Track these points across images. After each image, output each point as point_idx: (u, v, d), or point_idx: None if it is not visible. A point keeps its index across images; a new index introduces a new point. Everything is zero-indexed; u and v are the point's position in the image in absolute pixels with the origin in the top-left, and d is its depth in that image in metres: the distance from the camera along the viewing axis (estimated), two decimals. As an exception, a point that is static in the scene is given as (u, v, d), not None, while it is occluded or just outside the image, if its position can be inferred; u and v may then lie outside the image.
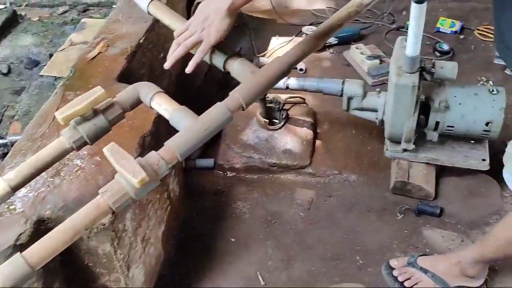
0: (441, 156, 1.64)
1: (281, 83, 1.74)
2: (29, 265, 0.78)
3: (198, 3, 1.50)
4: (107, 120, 0.99)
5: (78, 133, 0.98)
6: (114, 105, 1.01)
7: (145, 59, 1.62)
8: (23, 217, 1.08)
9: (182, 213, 1.65)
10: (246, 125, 1.87)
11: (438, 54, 2.23)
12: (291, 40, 2.39)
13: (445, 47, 2.24)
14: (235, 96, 0.99)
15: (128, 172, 0.81)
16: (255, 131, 1.86)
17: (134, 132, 1.26)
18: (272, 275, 1.52)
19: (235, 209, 1.71)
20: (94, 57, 1.51)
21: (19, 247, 1.02)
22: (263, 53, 2.33)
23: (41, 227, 1.08)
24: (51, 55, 2.56)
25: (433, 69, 1.46)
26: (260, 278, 1.50)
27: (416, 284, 1.43)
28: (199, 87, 2.11)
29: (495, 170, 1.47)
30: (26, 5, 3.05)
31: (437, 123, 1.55)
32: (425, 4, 1.23)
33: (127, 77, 1.47)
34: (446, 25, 2.37)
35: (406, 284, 1.43)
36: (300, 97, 1.96)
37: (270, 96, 1.83)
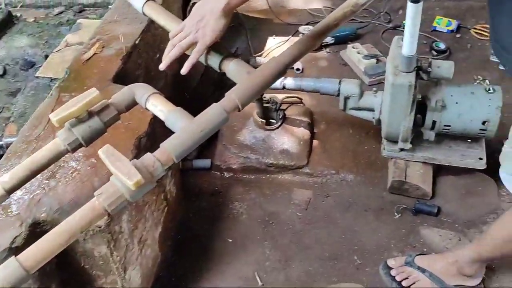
0: (438, 155, 1.64)
1: (277, 83, 1.74)
2: (24, 268, 0.78)
3: (194, 3, 1.50)
4: (102, 122, 0.98)
5: (73, 135, 0.97)
6: (109, 106, 1.00)
7: (141, 60, 1.62)
8: (19, 220, 1.07)
9: (179, 214, 1.64)
10: (243, 125, 1.87)
11: (434, 53, 2.23)
12: (287, 40, 2.38)
13: (442, 46, 2.24)
14: (231, 97, 0.99)
15: (123, 175, 0.81)
16: (252, 131, 1.85)
17: (129, 133, 1.26)
18: (269, 275, 1.52)
19: (232, 210, 1.70)
20: (89, 58, 1.50)
21: (14, 250, 1.01)
22: (259, 53, 2.32)
23: (36, 230, 1.08)
24: (46, 56, 2.55)
25: (429, 68, 1.46)
26: (258, 279, 1.50)
27: (413, 283, 1.43)
28: (195, 88, 2.10)
29: (492, 169, 1.47)
30: (21, 6, 3.04)
31: (434, 122, 1.55)
32: (421, 3, 1.22)
33: (122, 78, 1.46)
34: (443, 24, 2.37)
35: (403, 283, 1.43)
36: (297, 97, 1.96)
37: (267, 96, 1.83)
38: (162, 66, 1.12)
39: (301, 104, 1.97)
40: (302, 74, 2.18)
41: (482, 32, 2.31)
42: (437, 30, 2.37)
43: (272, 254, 1.57)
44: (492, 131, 1.52)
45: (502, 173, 1.16)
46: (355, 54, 2.20)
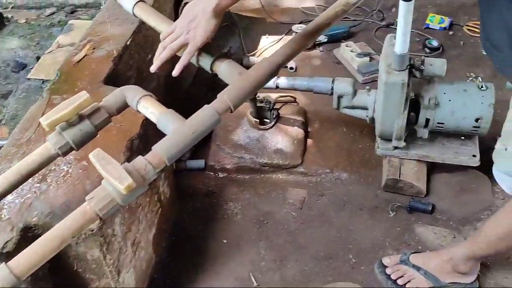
0: (432, 152, 1.65)
1: (271, 83, 1.73)
2: (15, 275, 0.77)
3: (186, 3, 1.49)
4: (93, 125, 0.98)
5: (63, 139, 0.96)
6: (100, 109, 0.99)
7: (133, 61, 1.61)
8: (9, 225, 1.06)
9: (173, 215, 1.63)
10: (237, 125, 1.86)
11: (427, 50, 2.23)
12: (281, 39, 2.38)
13: (435, 43, 2.24)
14: (223, 98, 0.98)
15: (114, 179, 0.80)
16: (246, 131, 1.85)
17: (121, 136, 1.25)
18: (265, 275, 1.51)
19: (226, 210, 1.70)
20: (80, 59, 1.49)
21: (6, 255, 1.00)
22: (253, 53, 2.32)
23: (28, 234, 1.06)
24: (38, 58, 2.52)
25: (422, 66, 1.46)
26: (253, 279, 1.50)
27: (409, 281, 1.43)
28: (188, 89, 2.09)
29: (486, 166, 1.47)
30: (12, 7, 3.01)
31: (427, 120, 1.55)
32: (412, 1, 1.22)
33: (114, 79, 1.45)
34: (435, 21, 2.37)
35: (399, 282, 1.43)
36: (291, 96, 1.95)
37: (260, 95, 1.82)
38: (153, 68, 1.12)
39: (295, 103, 1.97)
40: (295, 73, 2.18)
41: (475, 29, 2.31)
42: (430, 28, 2.37)
43: (267, 254, 1.56)
44: (485, 128, 1.53)
45: (495, 171, 1.16)
46: (349, 53, 2.20)
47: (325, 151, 1.84)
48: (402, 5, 1.24)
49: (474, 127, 1.54)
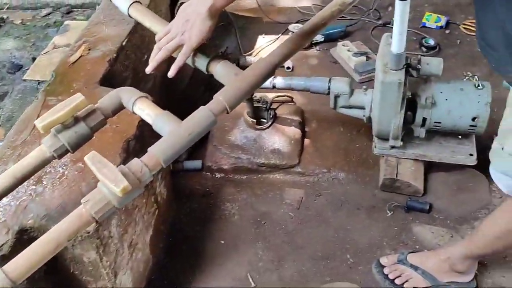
0: (429, 152, 1.65)
1: (267, 83, 1.73)
2: (10, 279, 0.77)
3: (182, 3, 1.49)
4: (89, 127, 0.97)
5: (59, 142, 0.96)
6: (96, 111, 0.99)
7: (128, 62, 1.60)
8: (5, 227, 1.06)
9: (170, 216, 1.63)
10: (234, 125, 1.86)
11: (424, 49, 2.23)
12: (277, 39, 2.37)
13: (431, 42, 2.24)
14: (218, 100, 0.98)
15: (110, 181, 0.80)
16: (243, 131, 1.84)
17: (118, 137, 1.24)
18: (262, 276, 1.51)
19: (224, 211, 1.70)
20: (76, 60, 1.48)
21: (1, 258, 1.00)
22: (249, 52, 2.31)
23: (23, 237, 1.06)
24: (34, 59, 2.51)
25: (419, 65, 1.45)
26: (251, 280, 1.50)
27: (406, 281, 1.43)
28: (184, 89, 2.09)
29: (483, 164, 1.47)
30: (7, 8, 2.99)
31: (424, 119, 1.55)
32: (408, 1, 1.22)
33: (110, 80, 1.44)
34: (432, 20, 2.37)
35: (396, 281, 1.43)
36: (288, 96, 1.95)
37: (257, 95, 1.82)
38: (148, 69, 1.11)
39: (292, 103, 1.96)
40: (292, 73, 2.18)
41: (471, 28, 2.31)
42: (426, 27, 2.37)
43: (264, 255, 1.56)
44: (482, 127, 1.53)
45: (492, 170, 1.16)
46: (345, 52, 2.19)
47: (322, 151, 1.84)
48: (398, 4, 1.24)
49: (471, 126, 1.54)
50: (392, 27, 1.33)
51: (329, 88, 1.65)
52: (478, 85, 1.52)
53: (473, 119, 1.52)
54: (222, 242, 1.60)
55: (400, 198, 1.68)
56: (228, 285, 1.49)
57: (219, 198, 1.74)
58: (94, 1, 2.92)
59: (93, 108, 0.99)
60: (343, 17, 2.36)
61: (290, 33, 2.35)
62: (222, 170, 1.80)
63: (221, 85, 1.06)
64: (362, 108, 1.65)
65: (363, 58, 2.15)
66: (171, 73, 1.09)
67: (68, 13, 2.94)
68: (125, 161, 1.17)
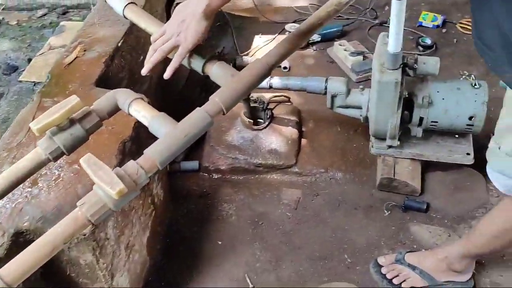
0: (426, 151, 1.65)
1: (264, 83, 1.72)
2: (6, 283, 0.76)
3: (178, 3, 1.48)
4: (84, 129, 0.96)
5: (54, 144, 0.95)
6: (91, 113, 0.98)
7: (124, 63, 1.59)
8: (0, 230, 1.05)
9: (167, 217, 1.63)
10: (231, 125, 1.85)
11: (421, 48, 2.23)
12: (274, 38, 2.37)
13: (428, 41, 2.24)
14: (215, 101, 0.97)
15: (106, 184, 0.79)
16: (240, 132, 1.84)
17: (114, 138, 1.24)
18: (260, 277, 1.51)
19: (221, 211, 1.69)
20: (71, 62, 1.47)
21: (-3, 262, 0.99)
22: (246, 52, 2.31)
23: (19, 240, 1.05)
24: (29, 60, 2.50)
25: (415, 64, 1.45)
26: (248, 281, 1.49)
27: (404, 281, 1.43)
28: (181, 90, 2.08)
29: (480, 163, 1.47)
30: (3, 9, 2.98)
31: (421, 118, 1.55)
32: (404, 0, 1.22)
33: (106, 81, 1.44)
34: (428, 19, 2.37)
35: (394, 281, 1.43)
36: (285, 96, 1.95)
37: (254, 95, 1.81)
38: (144, 71, 1.10)
39: (289, 103, 1.96)
40: (289, 72, 2.17)
41: (468, 27, 2.31)
42: (423, 26, 2.37)
43: (262, 255, 1.56)
44: (479, 126, 1.53)
45: (489, 170, 1.15)
46: (342, 51, 2.19)
47: (319, 150, 1.83)
48: (394, 3, 1.24)
49: (467, 125, 1.54)
50: (388, 27, 1.33)
51: (326, 88, 1.65)
52: (475, 84, 1.52)
53: (470, 118, 1.52)
54: (220, 242, 1.60)
55: (398, 198, 1.68)
56: (226, 286, 1.48)
57: (216, 198, 1.73)
58: (90, 1, 2.90)
59: (88, 110, 0.98)
60: (339, 16, 2.36)
61: (286, 32, 2.34)
62: (219, 170, 1.80)
63: (217, 86, 1.06)
64: (359, 107, 1.65)
65: (360, 57, 2.15)
66: (167, 75, 1.08)
67: (64, 13, 2.92)
68: (121, 163, 1.16)
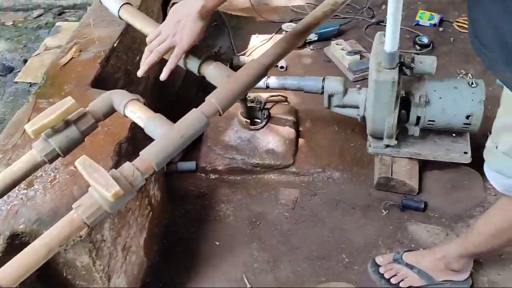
0: (423, 150, 1.64)
1: (261, 83, 1.72)
2: (1, 286, 0.75)
3: (174, 3, 1.47)
4: (80, 131, 0.96)
5: (49, 146, 0.94)
6: (86, 115, 0.98)
7: (120, 63, 1.58)
8: (-4, 233, 1.05)
9: (164, 218, 1.62)
10: (228, 125, 1.85)
11: (418, 47, 2.23)
12: (271, 38, 2.36)
13: (425, 40, 2.24)
14: (211, 102, 0.97)
15: (101, 186, 0.79)
16: (237, 132, 1.83)
17: (110, 139, 1.23)
18: (258, 277, 1.51)
19: (218, 212, 1.69)
20: (67, 63, 1.46)
21: (-7, 265, 0.98)
22: (243, 52, 2.30)
23: (15, 242, 1.05)
24: (25, 61, 2.49)
25: (412, 64, 1.45)
26: (246, 281, 1.49)
27: (402, 280, 1.43)
28: (177, 91, 2.07)
29: (477, 162, 1.46)
30: (-1, 10, 2.97)
31: (418, 118, 1.55)
32: (401, -1, 1.22)
33: (101, 82, 1.43)
34: (425, 18, 2.37)
35: (392, 281, 1.43)
36: (282, 96, 1.94)
37: (251, 95, 1.81)
38: (140, 73, 1.10)
39: (286, 103, 1.96)
40: (286, 72, 2.17)
41: (465, 25, 2.31)
42: (420, 24, 2.37)
43: (260, 256, 1.56)
44: (476, 125, 1.53)
45: (486, 169, 1.15)
46: (339, 51, 2.19)
47: (316, 150, 1.83)
48: (391, 2, 1.23)
49: (465, 124, 1.53)
50: (385, 26, 1.32)
51: (323, 88, 1.64)
52: (472, 83, 1.51)
53: (467, 117, 1.51)
54: (217, 243, 1.59)
55: (395, 197, 1.68)
56: (224, 286, 1.48)
57: (213, 199, 1.73)
58: (86, 2, 2.89)
59: (84, 112, 0.98)
60: (336, 15, 2.36)
61: (283, 32, 2.34)
62: (217, 171, 1.79)
63: (214, 87, 1.05)
64: (356, 107, 1.64)
65: (357, 57, 2.15)
66: (163, 76, 1.07)
67: (60, 14, 2.91)
68: (117, 164, 1.16)
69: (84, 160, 0.82)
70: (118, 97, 1.01)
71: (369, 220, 1.64)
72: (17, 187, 1.07)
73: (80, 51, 1.51)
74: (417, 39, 2.24)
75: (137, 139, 1.29)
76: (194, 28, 1.03)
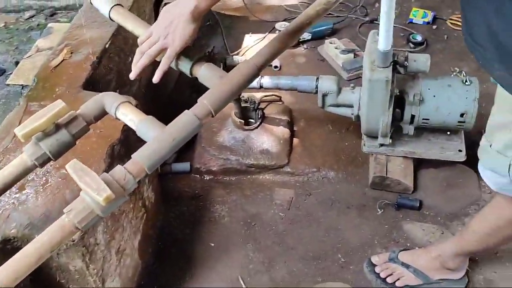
0: (418, 149, 1.64)
1: (254, 83, 1.71)
2: (-9, 293, 0.74)
3: (166, 3, 1.46)
4: (71, 135, 0.94)
5: (40, 150, 0.93)
6: (78, 118, 0.96)
7: (112, 65, 1.57)
8: (-13, 238, 1.03)
9: (158, 219, 1.61)
10: (222, 126, 1.84)
11: (412, 45, 2.23)
12: (264, 37, 2.36)
13: (419, 38, 2.24)
14: (203, 103, 0.96)
15: (93, 190, 0.78)
16: (231, 132, 1.82)
17: (102, 142, 1.22)
18: (253, 278, 1.50)
19: (213, 213, 1.68)
20: (58, 65, 1.45)
21: (-16, 271, 0.97)
22: (236, 52, 2.29)
23: (7, 247, 1.03)
24: (17, 63, 2.47)
25: (406, 62, 1.45)
26: (242, 282, 1.48)
27: (398, 279, 1.43)
28: (170, 92, 2.06)
29: (472, 160, 1.46)
30: (-10, 12, 2.94)
31: (413, 116, 1.54)
32: (394, -2, 1.21)
33: (93, 84, 1.42)
34: (419, 16, 2.37)
35: (388, 280, 1.43)
36: (276, 95, 1.94)
37: (245, 95, 1.80)
38: (132, 76, 1.08)
39: (280, 102, 1.95)
40: (280, 71, 2.16)
41: (458, 23, 2.32)
42: (413, 22, 2.37)
43: (255, 256, 1.55)
44: (471, 123, 1.53)
45: (481, 168, 1.15)
46: (333, 49, 2.18)
47: (311, 150, 1.82)
48: (384, 1, 1.23)
49: (459, 122, 1.53)
50: (379, 24, 1.32)
51: (316, 87, 1.64)
52: (466, 81, 1.51)
53: (462, 115, 1.51)
54: (212, 244, 1.59)
55: (390, 196, 1.67)
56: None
57: (208, 200, 1.72)
58: (78, 3, 2.87)
59: (74, 115, 0.96)
60: (330, 14, 2.35)
61: (277, 31, 2.33)
62: (211, 171, 1.78)
63: (207, 88, 1.04)
64: (350, 106, 1.64)
65: (351, 55, 2.15)
66: (155, 79, 1.06)
67: (52, 15, 2.89)
68: (110, 167, 1.15)
69: (75, 164, 0.81)
70: (110, 100, 1.00)
71: (364, 220, 1.63)
72: (8, 191, 1.06)
73: (71, 52, 1.50)
74: (410, 37, 2.24)
75: (130, 141, 1.28)
76: (186, 29, 1.02)
